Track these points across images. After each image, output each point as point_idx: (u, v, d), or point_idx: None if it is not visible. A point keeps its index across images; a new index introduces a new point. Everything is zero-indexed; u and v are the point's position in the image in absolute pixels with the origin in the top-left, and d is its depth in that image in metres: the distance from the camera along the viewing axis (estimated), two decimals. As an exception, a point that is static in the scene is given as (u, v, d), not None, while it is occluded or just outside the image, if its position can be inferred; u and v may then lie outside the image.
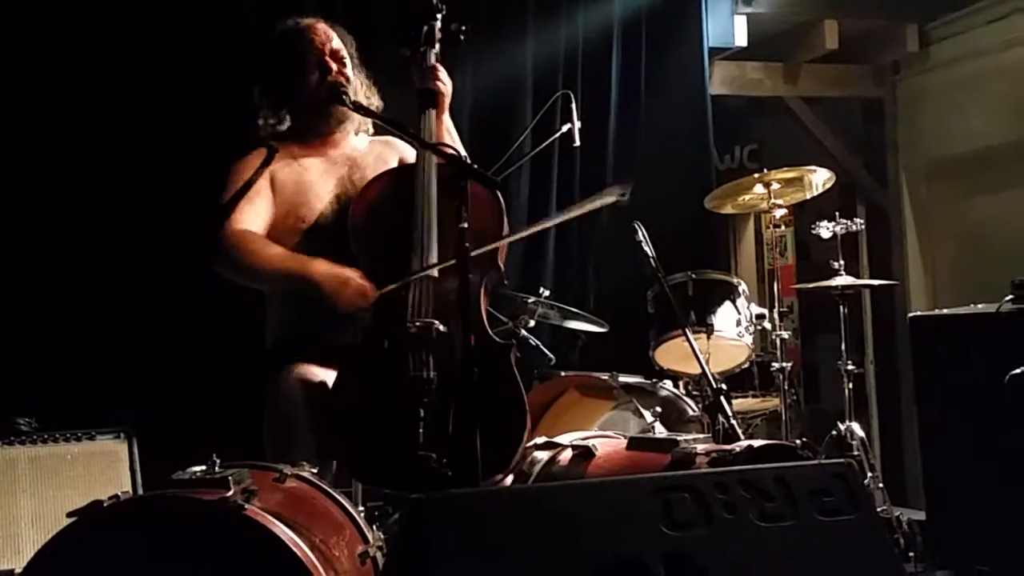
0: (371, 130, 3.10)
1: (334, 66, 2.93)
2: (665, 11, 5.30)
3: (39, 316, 4.00)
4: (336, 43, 2.98)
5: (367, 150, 3.05)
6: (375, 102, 3.01)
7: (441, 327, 2.52)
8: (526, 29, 4.96)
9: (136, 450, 3.68)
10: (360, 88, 2.98)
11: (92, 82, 4.20)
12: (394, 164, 2.99)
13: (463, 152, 2.66)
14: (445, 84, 2.89)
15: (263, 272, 2.75)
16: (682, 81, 5.35)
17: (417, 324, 2.53)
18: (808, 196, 4.52)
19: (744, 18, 5.56)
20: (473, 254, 2.34)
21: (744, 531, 1.82)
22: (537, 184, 4.88)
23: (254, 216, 2.80)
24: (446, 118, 2.94)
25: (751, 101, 6.31)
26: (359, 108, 2.84)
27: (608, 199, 2.65)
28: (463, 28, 2.94)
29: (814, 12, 5.78)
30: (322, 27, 2.99)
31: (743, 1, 5.51)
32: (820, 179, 4.46)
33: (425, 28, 2.92)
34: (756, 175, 4.40)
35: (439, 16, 2.93)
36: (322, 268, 2.69)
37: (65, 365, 3.97)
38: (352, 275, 2.67)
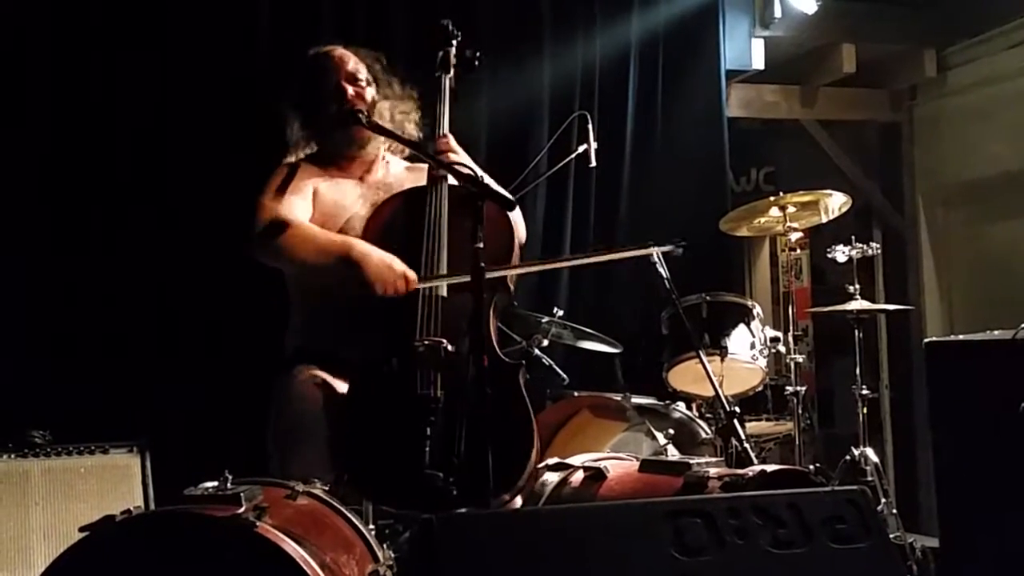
0: (405, 151, 3.12)
1: (350, 90, 2.96)
2: (683, 33, 5.29)
3: (53, 330, 4.02)
4: (352, 66, 3.01)
5: (403, 176, 3.08)
6: (413, 116, 3.05)
7: (449, 346, 2.52)
8: (543, 50, 4.96)
9: (149, 464, 3.69)
10: (387, 106, 3.02)
11: (96, 93, 4.21)
12: None
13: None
14: (457, 154, 2.88)
15: (306, 250, 2.74)
16: (699, 103, 5.33)
17: (425, 343, 2.53)
18: (824, 220, 4.51)
19: (762, 41, 5.56)
20: (489, 276, 2.34)
21: (755, 557, 1.82)
22: (552, 204, 4.87)
23: (296, 208, 2.83)
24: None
25: (768, 124, 6.31)
26: (374, 127, 2.86)
27: (661, 249, 2.71)
28: (478, 54, 2.96)
29: (832, 36, 5.77)
30: (339, 52, 3.04)
31: (761, 24, 5.52)
32: (836, 203, 4.45)
33: (440, 54, 2.95)
34: (772, 198, 4.39)
35: (454, 43, 2.96)
36: (366, 247, 2.69)
37: (79, 379, 3.98)
38: (395, 260, 2.67)
